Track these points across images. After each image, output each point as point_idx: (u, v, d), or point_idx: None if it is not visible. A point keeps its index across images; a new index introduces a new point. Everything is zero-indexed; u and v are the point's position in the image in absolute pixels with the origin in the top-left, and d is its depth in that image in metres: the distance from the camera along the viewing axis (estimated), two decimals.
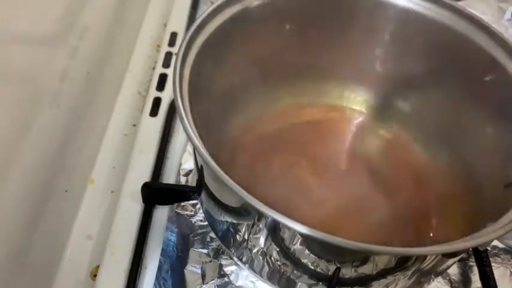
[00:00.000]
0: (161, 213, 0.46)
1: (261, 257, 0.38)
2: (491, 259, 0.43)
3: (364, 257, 0.33)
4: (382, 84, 0.50)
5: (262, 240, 0.36)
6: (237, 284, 0.42)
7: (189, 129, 0.33)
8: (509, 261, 0.45)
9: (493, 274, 0.43)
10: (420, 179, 0.48)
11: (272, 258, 0.37)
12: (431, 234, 0.44)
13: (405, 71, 0.48)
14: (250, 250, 0.38)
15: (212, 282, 0.42)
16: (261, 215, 0.34)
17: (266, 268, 0.38)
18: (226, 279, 0.42)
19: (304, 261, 0.35)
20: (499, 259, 0.45)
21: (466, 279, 0.44)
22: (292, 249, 0.34)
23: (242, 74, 0.46)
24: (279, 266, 0.37)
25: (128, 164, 0.49)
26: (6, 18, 0.47)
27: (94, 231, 0.46)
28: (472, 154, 0.44)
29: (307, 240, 0.33)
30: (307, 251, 0.34)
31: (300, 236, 0.33)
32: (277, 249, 0.35)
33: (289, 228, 0.33)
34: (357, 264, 0.34)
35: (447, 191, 0.46)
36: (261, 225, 0.35)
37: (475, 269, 0.44)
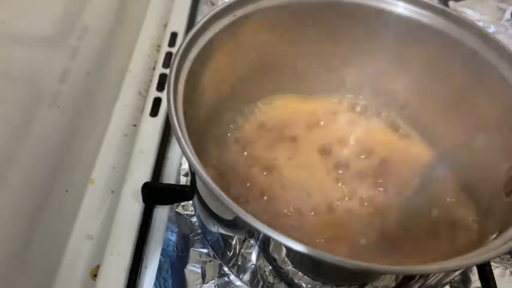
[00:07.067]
0: (161, 213, 0.46)
1: (252, 275, 0.37)
2: None
3: (364, 278, 0.32)
4: (384, 89, 0.50)
5: (254, 256, 0.35)
6: (237, 284, 0.42)
7: (186, 148, 0.32)
8: (509, 260, 0.45)
9: (492, 273, 0.43)
10: (423, 186, 0.47)
11: (265, 277, 0.36)
12: (435, 245, 0.43)
13: (406, 77, 0.48)
14: (241, 265, 0.38)
15: (212, 281, 0.42)
16: (252, 230, 0.32)
17: (255, 281, 0.38)
18: (226, 278, 0.42)
19: (299, 282, 0.34)
20: (498, 258, 0.45)
21: (465, 279, 0.44)
22: (285, 269, 0.33)
23: (239, 77, 0.46)
24: (271, 284, 0.36)
25: (128, 164, 0.49)
26: (6, 18, 0.47)
27: (94, 231, 0.46)
28: (475, 162, 0.44)
29: (301, 258, 0.31)
30: (300, 273, 0.33)
31: (294, 254, 0.31)
32: (270, 267, 0.34)
33: (281, 246, 0.31)
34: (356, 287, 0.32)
35: (451, 199, 0.45)
36: (252, 241, 0.33)
37: (475, 269, 0.44)
